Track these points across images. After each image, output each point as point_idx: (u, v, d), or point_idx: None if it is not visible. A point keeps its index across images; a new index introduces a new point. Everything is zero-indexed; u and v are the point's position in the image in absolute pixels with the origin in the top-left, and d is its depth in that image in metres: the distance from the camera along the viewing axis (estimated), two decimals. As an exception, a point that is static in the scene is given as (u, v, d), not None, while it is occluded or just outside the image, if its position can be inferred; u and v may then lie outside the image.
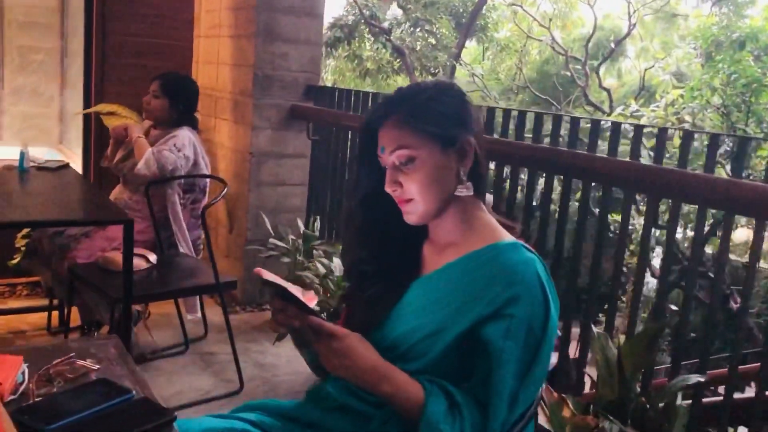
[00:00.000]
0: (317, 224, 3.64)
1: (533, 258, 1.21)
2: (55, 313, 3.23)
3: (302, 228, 3.54)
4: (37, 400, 1.04)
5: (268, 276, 1.17)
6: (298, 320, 1.15)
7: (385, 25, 9.92)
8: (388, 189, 1.24)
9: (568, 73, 11.88)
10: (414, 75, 10.17)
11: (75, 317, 3.06)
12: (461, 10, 10.91)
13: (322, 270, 3.09)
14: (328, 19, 10.19)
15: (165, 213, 3.04)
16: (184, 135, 3.05)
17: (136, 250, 2.81)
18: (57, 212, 2.43)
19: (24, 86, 6.07)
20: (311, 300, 1.23)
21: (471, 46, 12.54)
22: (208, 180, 3.18)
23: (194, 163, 3.08)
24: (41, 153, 3.18)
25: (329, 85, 11.27)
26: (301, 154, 3.79)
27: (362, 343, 1.17)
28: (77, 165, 4.11)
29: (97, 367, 1.17)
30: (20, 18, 6.25)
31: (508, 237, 1.26)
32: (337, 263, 3.07)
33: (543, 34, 12.87)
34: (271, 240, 3.39)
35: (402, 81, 10.89)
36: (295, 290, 1.23)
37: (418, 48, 10.20)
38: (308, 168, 3.82)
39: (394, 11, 10.28)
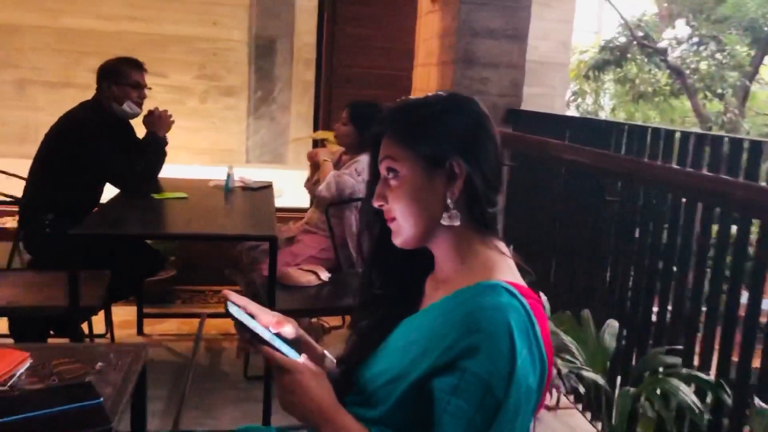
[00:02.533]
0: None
1: (512, 304, 1.02)
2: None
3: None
4: (12, 393, 1.15)
5: (234, 298, 1.16)
6: (253, 348, 1.12)
7: (663, 44, 9.14)
8: (374, 203, 1.16)
9: None
10: (696, 97, 9.20)
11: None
12: (761, 23, 9.60)
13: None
14: (599, 42, 9.72)
15: (345, 233, 3.17)
16: (366, 160, 3.14)
17: (309, 267, 2.98)
18: (216, 227, 2.69)
19: (306, 116, 6.84)
20: (280, 325, 1.18)
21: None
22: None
23: (375, 187, 3.16)
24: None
25: (607, 111, 10.72)
26: (500, 180, 3.66)
27: (315, 381, 1.09)
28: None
29: (96, 371, 1.25)
30: (306, 56, 7.08)
31: (500, 277, 1.08)
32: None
33: None
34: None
35: (682, 104, 9.94)
36: (267, 316, 1.19)
37: (703, 68, 9.21)
38: (505, 195, 3.68)
39: (675, 30, 9.44)
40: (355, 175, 3.10)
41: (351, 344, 1.25)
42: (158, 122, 3.20)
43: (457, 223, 1.11)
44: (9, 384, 1.18)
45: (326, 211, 3.08)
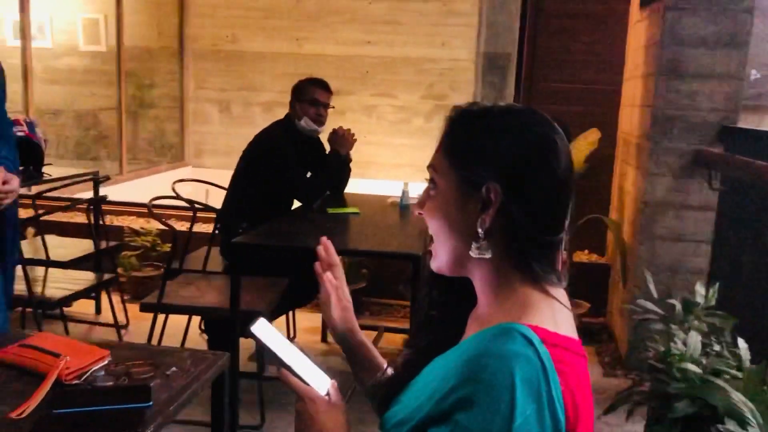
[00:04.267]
0: (713, 290, 3.04)
1: (522, 354, 0.86)
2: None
3: (702, 293, 3.01)
4: (80, 387, 1.26)
5: (263, 320, 1.15)
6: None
7: None
8: (413, 209, 1.08)
9: None
10: None
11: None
12: None
13: (679, 347, 2.60)
14: None
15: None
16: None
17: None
18: (372, 243, 2.71)
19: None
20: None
21: None
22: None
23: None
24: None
25: None
26: (708, 206, 3.22)
27: (326, 413, 1.04)
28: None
29: (165, 375, 1.32)
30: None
31: (530, 320, 0.93)
32: (696, 341, 2.55)
33: None
34: (640, 301, 2.99)
35: None
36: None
37: None
38: (713, 224, 3.22)
39: None
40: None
41: (389, 375, 1.17)
42: (340, 141, 3.32)
43: (487, 255, 0.97)
44: (84, 378, 1.28)
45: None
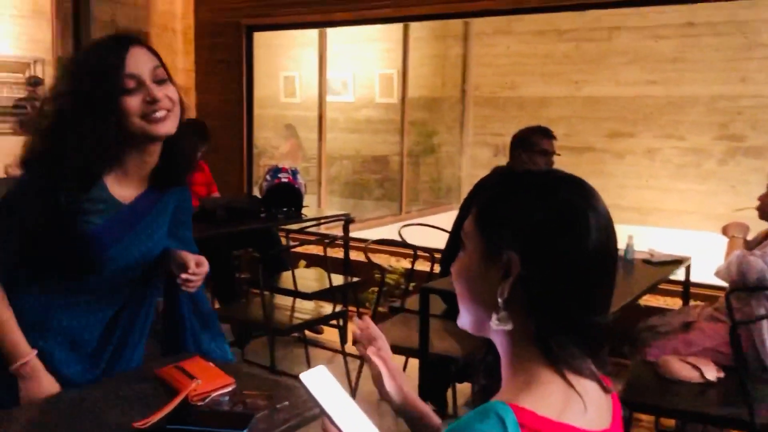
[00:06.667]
0: None
1: None
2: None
3: None
4: (197, 408, 1.45)
5: (322, 368, 1.21)
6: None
7: None
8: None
9: None
10: None
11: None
12: None
13: None
14: None
15: (750, 326, 2.60)
16: (790, 240, 2.55)
17: (696, 360, 2.59)
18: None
19: None
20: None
21: None
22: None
23: (802, 273, 2.52)
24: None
25: None
26: None
27: None
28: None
29: (274, 407, 1.46)
30: None
31: (524, 402, 0.87)
32: None
33: None
34: None
35: None
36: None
37: None
38: None
39: None
40: (769, 257, 2.53)
41: None
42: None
43: (508, 327, 0.93)
44: (206, 401, 1.47)
45: (727, 296, 2.60)
